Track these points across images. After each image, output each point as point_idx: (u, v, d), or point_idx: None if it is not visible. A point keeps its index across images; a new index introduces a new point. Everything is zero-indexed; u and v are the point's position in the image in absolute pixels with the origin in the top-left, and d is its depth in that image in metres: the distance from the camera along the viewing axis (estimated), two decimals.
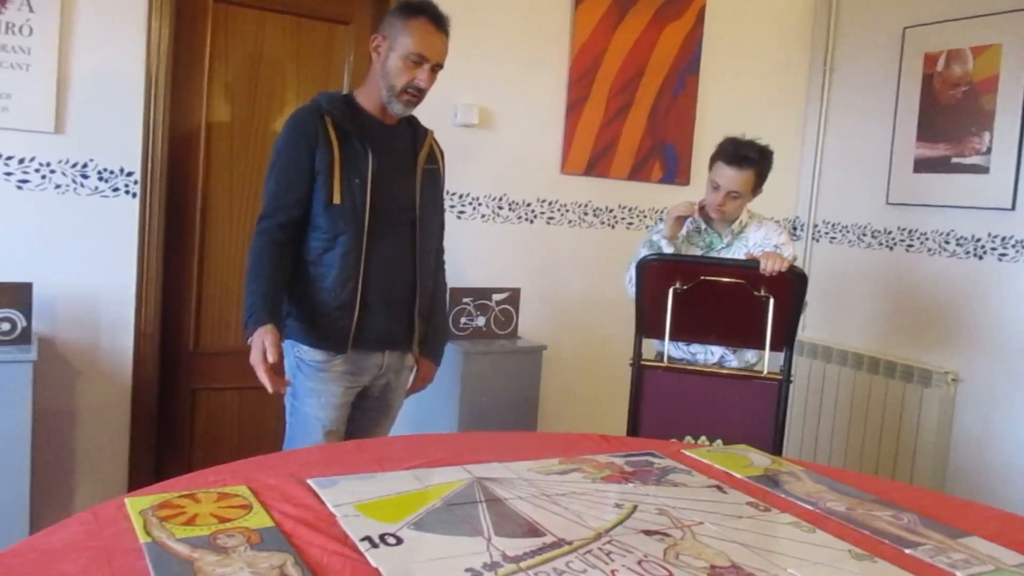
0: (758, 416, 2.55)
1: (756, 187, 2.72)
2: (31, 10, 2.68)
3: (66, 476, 2.90)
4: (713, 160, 2.75)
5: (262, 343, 2.04)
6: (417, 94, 2.25)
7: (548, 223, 3.74)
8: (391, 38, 2.23)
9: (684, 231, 2.82)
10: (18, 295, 2.59)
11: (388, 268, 2.29)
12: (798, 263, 2.61)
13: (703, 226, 2.81)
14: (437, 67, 2.27)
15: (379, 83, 2.26)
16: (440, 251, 2.55)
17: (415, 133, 2.40)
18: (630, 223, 3.94)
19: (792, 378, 2.60)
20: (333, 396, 2.26)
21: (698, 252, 2.77)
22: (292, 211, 2.19)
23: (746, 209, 2.80)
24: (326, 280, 2.22)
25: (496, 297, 3.43)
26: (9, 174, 2.72)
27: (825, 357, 4.11)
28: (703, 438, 2.55)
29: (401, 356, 2.41)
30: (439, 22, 2.25)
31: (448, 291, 2.69)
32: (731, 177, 2.67)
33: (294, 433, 2.29)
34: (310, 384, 2.24)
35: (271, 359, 2.03)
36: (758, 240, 2.74)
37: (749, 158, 2.67)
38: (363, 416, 2.41)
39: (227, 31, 3.10)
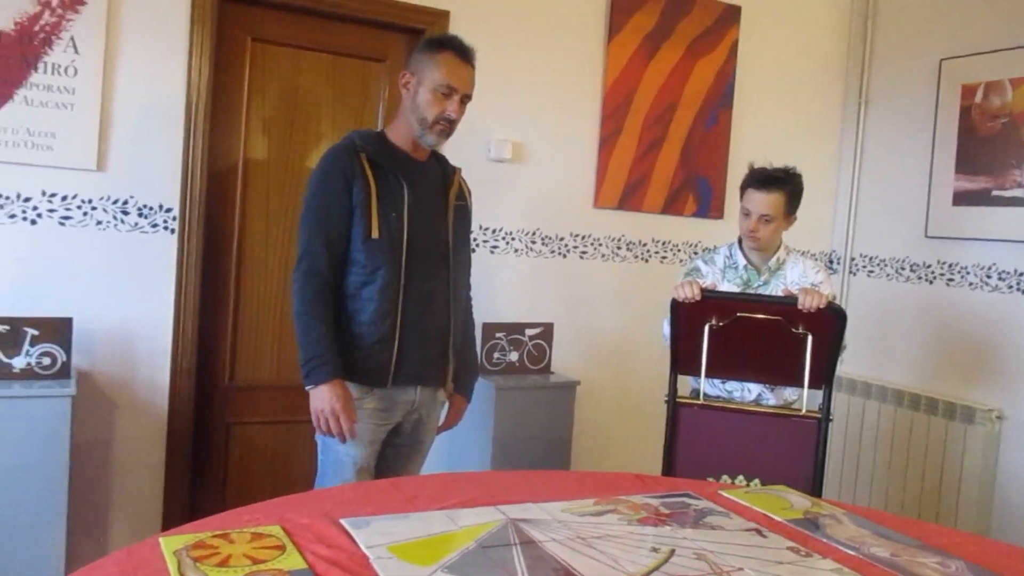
0: (796, 455, 2.50)
1: (788, 211, 2.70)
2: (76, 51, 2.75)
3: (102, 509, 2.92)
4: (742, 189, 2.76)
5: (345, 396, 2.17)
6: (448, 125, 2.29)
7: (581, 257, 3.73)
8: (419, 73, 2.27)
9: (721, 266, 2.80)
10: (59, 330, 2.63)
11: (424, 302, 2.30)
12: (836, 301, 2.56)
13: (740, 263, 2.78)
14: (466, 98, 2.31)
15: (410, 118, 2.29)
16: (468, 287, 2.55)
17: (444, 170, 2.43)
18: (664, 257, 3.92)
19: (831, 417, 2.54)
20: (366, 433, 2.25)
21: (735, 289, 2.74)
22: (334, 247, 2.21)
23: (784, 246, 2.78)
24: (364, 314, 2.23)
25: (529, 332, 3.41)
26: (52, 211, 2.77)
27: (864, 393, 4.03)
28: (740, 477, 2.50)
29: (433, 392, 2.41)
30: (465, 54, 2.30)
31: (480, 326, 2.68)
32: (760, 200, 2.67)
33: (325, 470, 2.29)
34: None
35: (353, 419, 2.18)
36: (795, 277, 2.71)
37: (776, 179, 2.68)
38: (395, 453, 2.41)
39: (264, 69, 3.16)
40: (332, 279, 2.22)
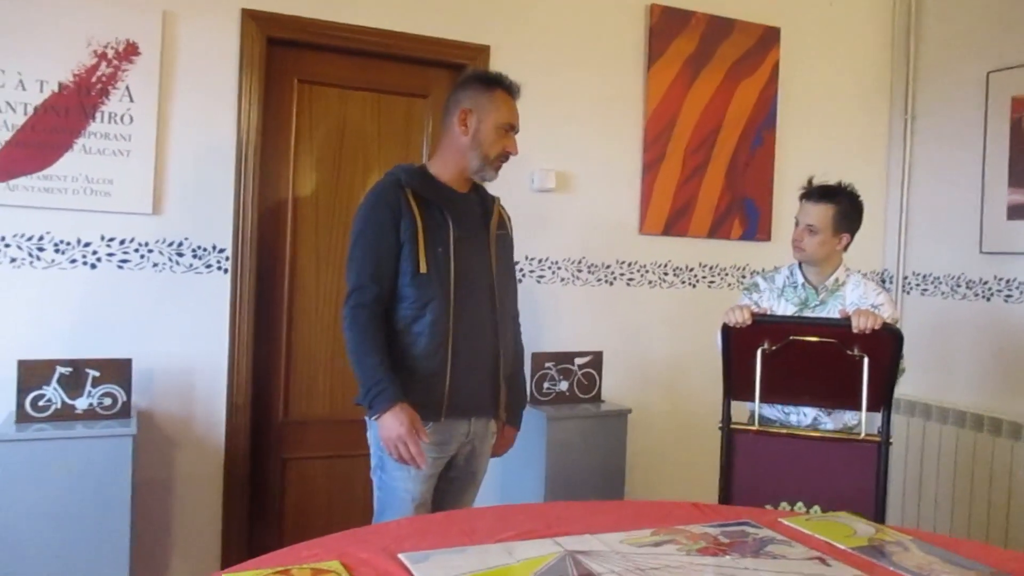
0: (857, 481, 2.45)
1: (837, 227, 2.68)
2: (131, 100, 2.85)
3: (163, 545, 2.97)
4: (799, 201, 2.78)
5: (408, 420, 2.14)
6: (506, 160, 2.37)
7: (628, 284, 3.72)
8: (479, 111, 2.32)
9: (780, 285, 2.78)
10: (119, 371, 2.70)
11: (473, 334, 2.31)
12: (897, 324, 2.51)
13: (800, 281, 2.76)
14: (517, 132, 2.40)
15: (466, 154, 2.33)
16: (516, 315, 2.56)
17: (484, 201, 2.46)
18: (711, 281, 3.89)
19: (891, 440, 2.49)
20: (423, 467, 2.26)
21: (793, 308, 2.72)
22: (384, 283, 2.23)
23: (844, 267, 2.75)
24: (416, 348, 2.25)
25: (578, 361, 3.40)
26: (111, 255, 2.85)
27: (924, 415, 3.93)
28: (799, 504, 2.45)
29: (486, 423, 2.42)
30: (515, 91, 2.38)
31: (529, 356, 2.68)
32: (807, 210, 2.71)
33: (383, 507, 2.30)
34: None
35: (425, 438, 2.17)
36: (855, 299, 2.67)
37: (827, 192, 2.70)
38: (448, 486, 2.41)
39: (311, 109, 3.23)
40: (381, 312, 2.24)
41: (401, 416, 2.14)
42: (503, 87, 2.35)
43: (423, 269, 2.22)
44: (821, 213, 2.67)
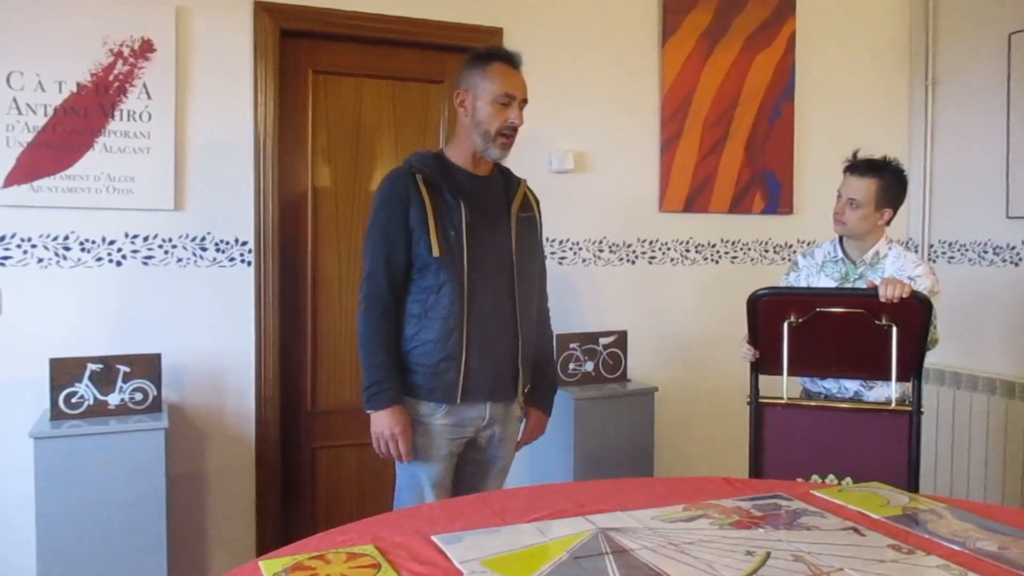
0: (888, 451, 2.43)
1: (880, 201, 2.66)
2: (149, 97, 2.86)
3: (199, 536, 3.01)
4: (843, 173, 2.76)
5: (402, 423, 2.24)
6: (512, 133, 2.31)
7: (650, 263, 3.71)
8: (474, 89, 2.29)
9: (820, 260, 2.78)
10: (149, 366, 2.73)
11: (490, 317, 2.30)
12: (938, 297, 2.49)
13: (840, 255, 2.75)
14: (523, 103, 2.33)
15: (471, 135, 2.30)
16: (544, 298, 2.55)
17: (508, 183, 2.44)
18: (734, 257, 3.87)
19: (922, 409, 2.47)
20: (437, 449, 2.29)
21: (833, 283, 2.71)
22: (394, 269, 2.25)
23: (886, 240, 2.72)
24: (431, 332, 2.25)
25: (603, 341, 3.40)
26: (136, 252, 2.88)
27: (954, 383, 3.90)
28: (831, 477, 2.44)
29: (507, 407, 2.40)
30: (513, 61, 2.32)
31: (554, 337, 2.67)
32: (850, 184, 2.69)
33: (402, 487, 2.34)
34: (414, 438, 2.27)
35: (409, 444, 2.26)
36: (892, 272, 2.63)
37: (870, 166, 2.68)
38: (475, 470, 2.42)
39: (327, 99, 3.23)
40: (393, 302, 2.27)
41: (396, 418, 2.23)
42: (499, 59, 2.30)
43: (436, 252, 2.22)
44: (864, 187, 2.64)
